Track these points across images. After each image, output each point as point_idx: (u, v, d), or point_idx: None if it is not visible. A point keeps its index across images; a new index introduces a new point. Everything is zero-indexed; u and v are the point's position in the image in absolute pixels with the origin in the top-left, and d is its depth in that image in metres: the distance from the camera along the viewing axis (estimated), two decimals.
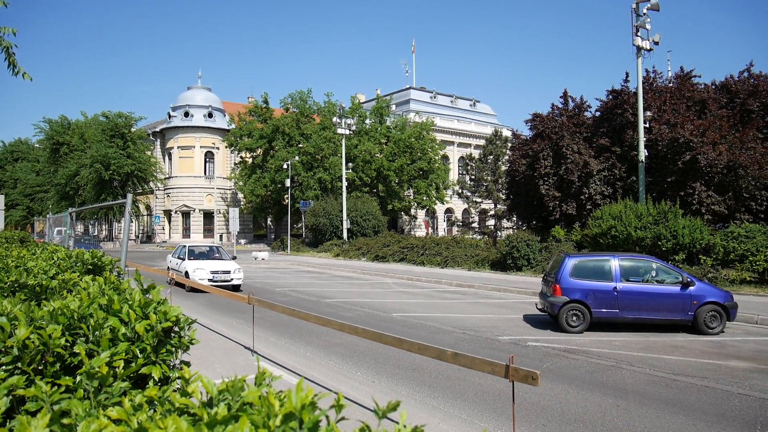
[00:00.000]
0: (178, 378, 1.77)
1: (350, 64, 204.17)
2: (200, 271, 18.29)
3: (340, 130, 42.58)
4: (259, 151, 53.47)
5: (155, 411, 1.33)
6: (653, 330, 11.57)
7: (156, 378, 2.03)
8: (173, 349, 2.17)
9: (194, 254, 20.31)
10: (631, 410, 6.67)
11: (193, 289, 17.11)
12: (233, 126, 54.65)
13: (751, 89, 26.54)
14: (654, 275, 11.75)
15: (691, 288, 11.38)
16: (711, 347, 10.19)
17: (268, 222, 65.28)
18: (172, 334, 2.25)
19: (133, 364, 1.95)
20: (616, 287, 11.43)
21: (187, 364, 1.96)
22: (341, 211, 41.54)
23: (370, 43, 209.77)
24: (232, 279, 18.51)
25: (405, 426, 0.98)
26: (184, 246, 21.08)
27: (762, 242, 17.76)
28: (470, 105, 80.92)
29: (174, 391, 1.66)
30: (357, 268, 28.35)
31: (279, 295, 17.66)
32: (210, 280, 17.92)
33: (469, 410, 6.63)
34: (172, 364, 2.19)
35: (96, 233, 67.57)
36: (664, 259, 18.88)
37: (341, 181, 43.28)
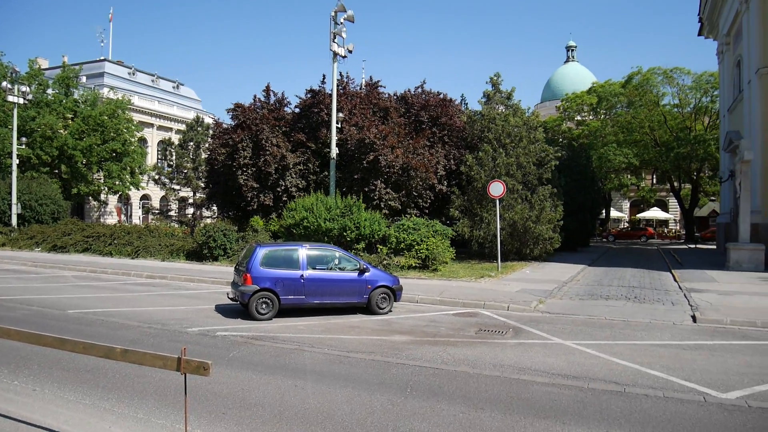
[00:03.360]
0: None
1: (30, 22, 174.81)
2: None
3: (11, 98, 36.29)
4: None
5: None
6: (335, 312, 12.65)
7: None
8: None
9: None
10: (308, 388, 7.20)
11: None
12: None
13: (423, 103, 30.89)
14: (337, 263, 12.86)
15: (367, 274, 12.79)
16: (380, 325, 11.60)
17: None
18: None
19: None
20: (302, 275, 12.18)
21: None
22: (10, 193, 35.48)
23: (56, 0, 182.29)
24: None
25: None
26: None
27: (425, 233, 20.91)
28: (173, 87, 76.90)
29: None
30: (28, 260, 24.61)
31: None
32: None
33: (147, 408, 6.33)
34: None
35: None
36: (349, 248, 20.82)
37: (11, 158, 36.93)
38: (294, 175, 27.24)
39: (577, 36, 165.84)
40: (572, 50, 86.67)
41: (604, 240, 55.71)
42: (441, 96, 31.60)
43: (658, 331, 11.16)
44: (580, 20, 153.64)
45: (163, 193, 49.09)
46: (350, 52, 26.14)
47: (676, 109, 48.57)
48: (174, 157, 45.11)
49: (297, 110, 30.08)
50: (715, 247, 38.38)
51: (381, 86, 30.96)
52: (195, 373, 4.31)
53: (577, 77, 78.69)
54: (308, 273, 12.23)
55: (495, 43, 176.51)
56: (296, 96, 32.13)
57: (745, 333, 11.13)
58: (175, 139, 52.23)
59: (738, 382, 7.67)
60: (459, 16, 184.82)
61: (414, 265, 20.88)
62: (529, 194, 26.12)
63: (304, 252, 12.47)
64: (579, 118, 54.42)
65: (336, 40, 25.43)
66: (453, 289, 16.38)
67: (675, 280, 19.60)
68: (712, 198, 55.79)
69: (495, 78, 29.54)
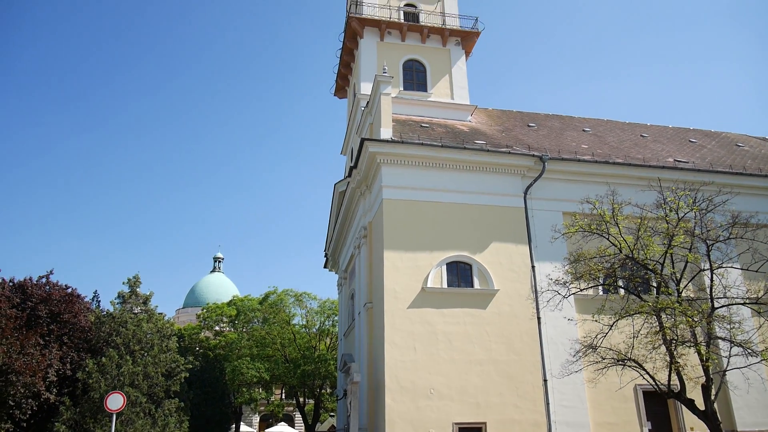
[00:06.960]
0: None
1: None
2: None
3: None
4: None
5: None
6: None
7: None
8: None
9: None
10: None
11: None
12: None
13: (45, 296, 27.26)
14: None
15: None
16: None
17: None
18: None
19: None
20: None
21: None
22: None
23: None
24: None
25: None
26: None
27: None
28: None
29: None
30: None
31: None
32: None
33: None
34: None
35: None
36: None
37: None
38: None
39: (226, 248, 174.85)
40: (219, 261, 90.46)
41: None
42: (69, 290, 28.60)
43: None
44: (228, 233, 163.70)
45: None
46: None
47: (304, 329, 53.39)
48: None
49: None
50: None
51: None
52: None
53: (221, 287, 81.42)
54: None
55: (142, 244, 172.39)
56: None
57: None
58: None
59: None
60: (105, 213, 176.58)
61: None
62: (154, 408, 24.27)
63: None
64: (218, 328, 55.16)
65: None
66: None
67: None
68: (332, 413, 60.19)
69: (133, 280, 28.49)
